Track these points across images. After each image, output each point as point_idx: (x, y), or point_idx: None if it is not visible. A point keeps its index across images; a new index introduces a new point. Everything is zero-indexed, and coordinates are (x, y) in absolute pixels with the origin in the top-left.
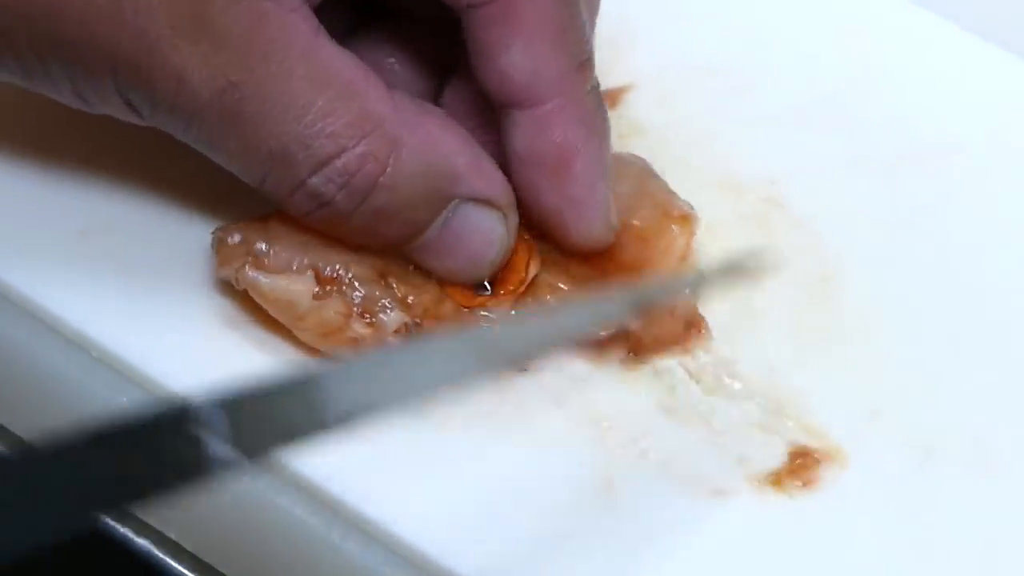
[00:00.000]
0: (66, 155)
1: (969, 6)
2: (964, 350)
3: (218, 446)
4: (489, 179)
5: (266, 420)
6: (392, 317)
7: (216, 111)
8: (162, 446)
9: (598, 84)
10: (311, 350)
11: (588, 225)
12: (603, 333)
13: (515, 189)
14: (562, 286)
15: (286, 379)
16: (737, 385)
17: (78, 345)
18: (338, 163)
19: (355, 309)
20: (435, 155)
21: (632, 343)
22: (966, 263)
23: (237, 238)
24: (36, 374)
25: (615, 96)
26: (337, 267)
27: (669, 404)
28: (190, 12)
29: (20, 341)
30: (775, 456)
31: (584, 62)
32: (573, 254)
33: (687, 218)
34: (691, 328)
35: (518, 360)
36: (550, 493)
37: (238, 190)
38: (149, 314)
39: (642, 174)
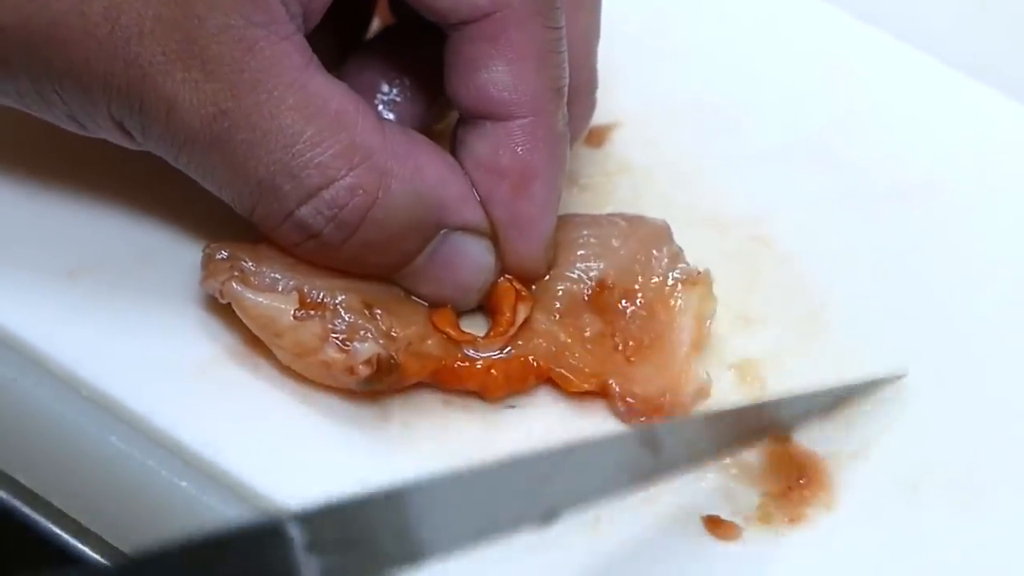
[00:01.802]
0: (53, 197)
1: (954, 44)
2: (950, 386)
3: (305, 563)
4: (477, 208)
5: (354, 540)
6: (365, 347)
7: (206, 138)
8: (248, 561)
9: (567, 116)
10: (291, 372)
11: (530, 248)
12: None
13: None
14: (566, 339)
15: (375, 495)
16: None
17: (68, 383)
18: (326, 194)
19: (333, 335)
20: (424, 186)
21: (626, 408)
22: (951, 299)
23: (224, 254)
24: (26, 413)
25: (601, 135)
26: (323, 293)
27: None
28: (182, 39)
29: (10, 381)
30: (762, 492)
31: (561, 88)
32: (589, 310)
33: (694, 283)
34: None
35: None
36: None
37: (226, 227)
38: (138, 352)
39: (648, 239)
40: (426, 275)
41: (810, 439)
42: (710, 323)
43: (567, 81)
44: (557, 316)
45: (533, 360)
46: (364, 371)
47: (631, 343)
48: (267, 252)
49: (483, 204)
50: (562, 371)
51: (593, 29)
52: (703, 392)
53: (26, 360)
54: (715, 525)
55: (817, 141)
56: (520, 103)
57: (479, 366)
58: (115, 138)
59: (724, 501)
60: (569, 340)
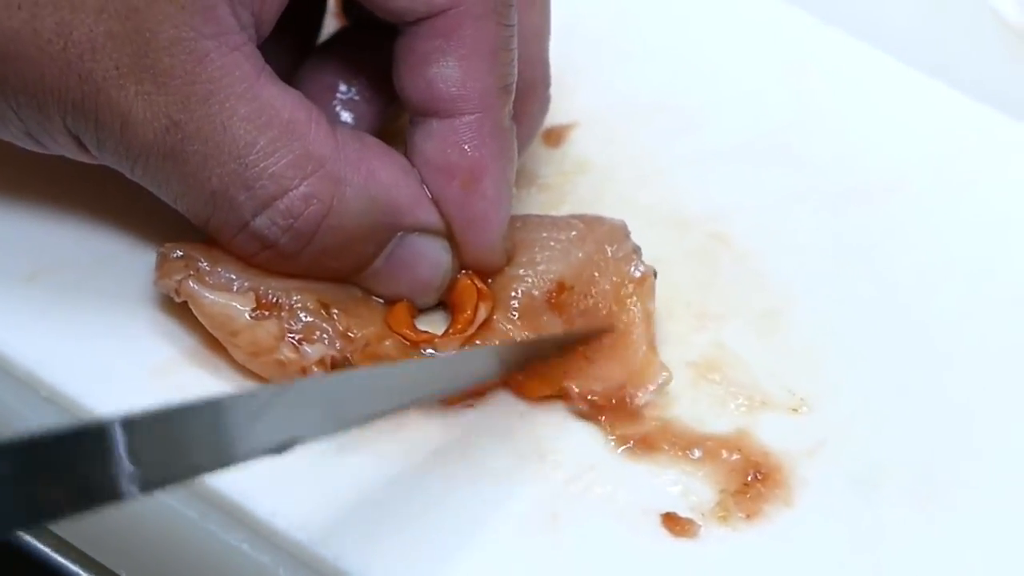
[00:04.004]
0: (11, 200)
1: (913, 43)
2: (908, 383)
3: (123, 467)
4: (431, 208)
5: (172, 446)
6: (315, 348)
7: (159, 150)
8: (67, 465)
9: (512, 112)
10: (249, 372)
11: (486, 244)
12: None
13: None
14: (529, 335)
15: (193, 406)
16: (682, 424)
17: (27, 385)
18: (281, 204)
19: (289, 335)
20: (378, 190)
21: (589, 405)
22: (910, 297)
23: (180, 253)
24: None
25: (560, 134)
26: (278, 294)
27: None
28: (134, 53)
29: None
30: (719, 489)
31: (508, 85)
32: (548, 311)
33: (643, 280)
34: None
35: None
36: (496, 527)
37: (186, 231)
38: (97, 353)
39: (604, 238)
40: (385, 276)
41: (769, 436)
42: (653, 318)
43: (515, 79)
44: (515, 316)
45: None
46: (317, 373)
47: (590, 343)
48: (222, 253)
49: (436, 203)
50: (520, 376)
51: (545, 26)
52: (664, 388)
53: None
54: (673, 522)
55: (777, 140)
56: (468, 99)
57: None
58: (72, 153)
59: (682, 498)
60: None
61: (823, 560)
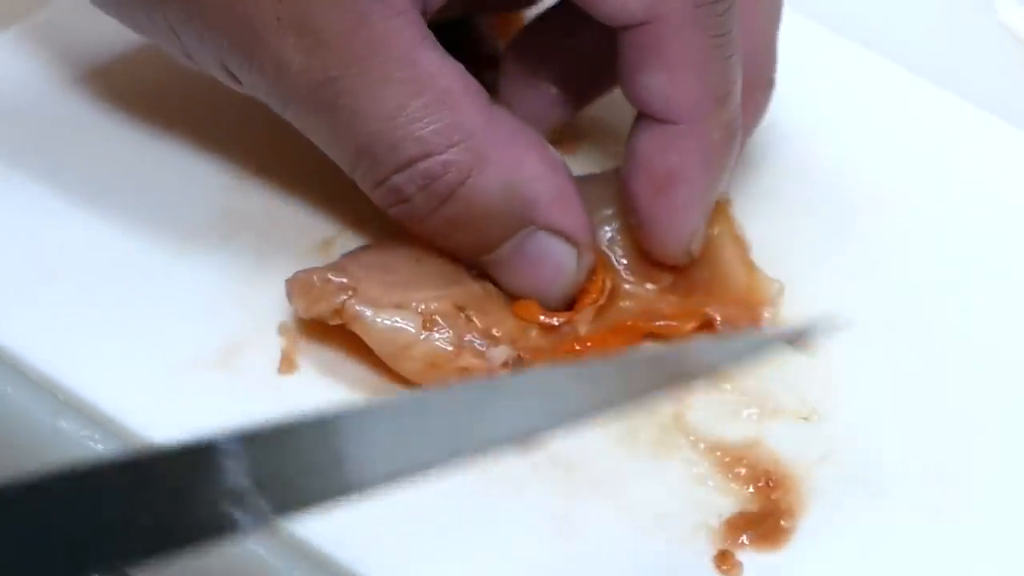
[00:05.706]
0: (29, 198)
1: (923, 53)
2: (919, 391)
3: (241, 491)
4: (570, 213)
5: (291, 466)
6: (501, 351)
7: (312, 102)
8: (172, 489)
9: (736, 121)
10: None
11: (663, 244)
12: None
13: (623, 174)
14: (649, 286)
15: (309, 420)
16: (695, 432)
17: (45, 388)
18: (421, 166)
19: (467, 339)
20: (519, 178)
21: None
22: (919, 305)
23: (327, 277)
24: (2, 418)
25: (573, 143)
26: (421, 305)
27: (631, 447)
28: (297, 7)
29: None
30: (733, 501)
31: (725, 95)
32: (650, 260)
33: (721, 208)
34: None
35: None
36: (510, 533)
37: (206, 230)
38: (118, 355)
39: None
40: (508, 267)
41: (780, 444)
42: (742, 240)
43: (736, 86)
44: (629, 275)
45: (631, 322)
46: (503, 375)
47: (701, 280)
48: (355, 272)
49: (629, 191)
50: (661, 322)
51: (769, 23)
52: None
53: (2, 364)
54: (722, 559)
55: (785, 150)
56: (675, 111)
57: (589, 343)
58: (225, 81)
59: (694, 511)
60: (651, 294)
61: (835, 568)
